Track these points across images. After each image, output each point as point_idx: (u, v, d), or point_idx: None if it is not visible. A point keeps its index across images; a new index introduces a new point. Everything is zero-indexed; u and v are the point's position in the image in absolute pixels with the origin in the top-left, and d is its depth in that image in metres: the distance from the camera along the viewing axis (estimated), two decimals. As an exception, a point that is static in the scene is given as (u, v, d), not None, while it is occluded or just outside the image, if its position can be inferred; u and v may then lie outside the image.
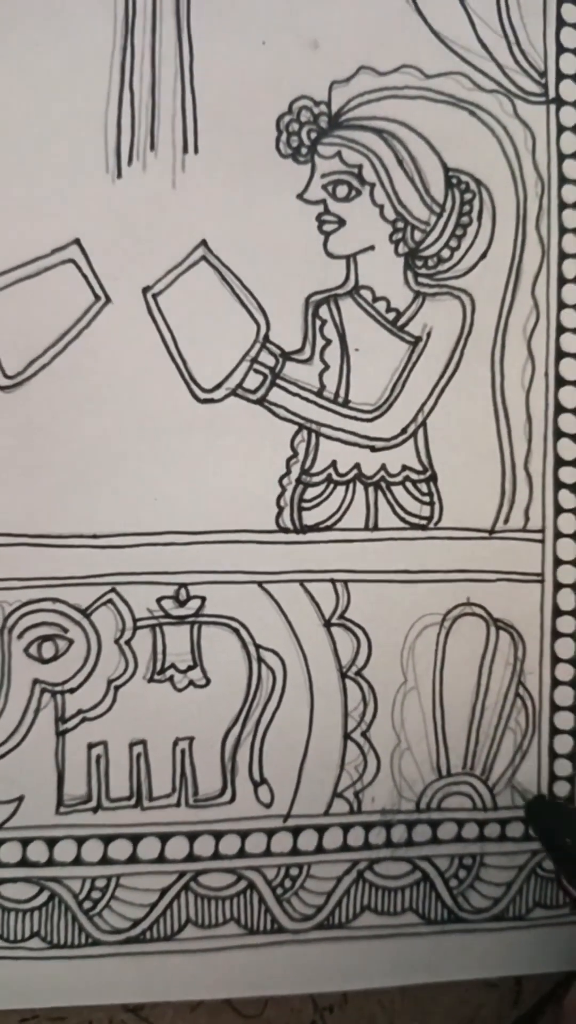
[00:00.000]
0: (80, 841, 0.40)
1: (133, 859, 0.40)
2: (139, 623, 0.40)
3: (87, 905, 0.40)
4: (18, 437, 0.39)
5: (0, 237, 0.39)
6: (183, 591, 0.40)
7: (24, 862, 0.40)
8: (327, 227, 0.40)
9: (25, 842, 0.40)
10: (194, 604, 0.40)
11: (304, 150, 0.40)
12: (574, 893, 0.41)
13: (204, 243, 0.40)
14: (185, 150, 0.40)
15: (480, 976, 0.42)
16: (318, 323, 0.41)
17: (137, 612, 0.40)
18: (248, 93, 0.40)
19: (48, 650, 0.40)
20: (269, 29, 0.40)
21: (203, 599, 0.40)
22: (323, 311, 0.41)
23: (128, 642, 0.40)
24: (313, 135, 0.40)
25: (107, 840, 0.40)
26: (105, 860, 0.40)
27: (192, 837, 0.41)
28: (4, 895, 0.40)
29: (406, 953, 0.42)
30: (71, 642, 0.40)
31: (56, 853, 0.40)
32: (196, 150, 0.40)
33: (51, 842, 0.40)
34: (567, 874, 0.40)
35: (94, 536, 0.40)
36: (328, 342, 0.41)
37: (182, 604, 0.40)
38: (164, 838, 0.41)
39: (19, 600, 0.39)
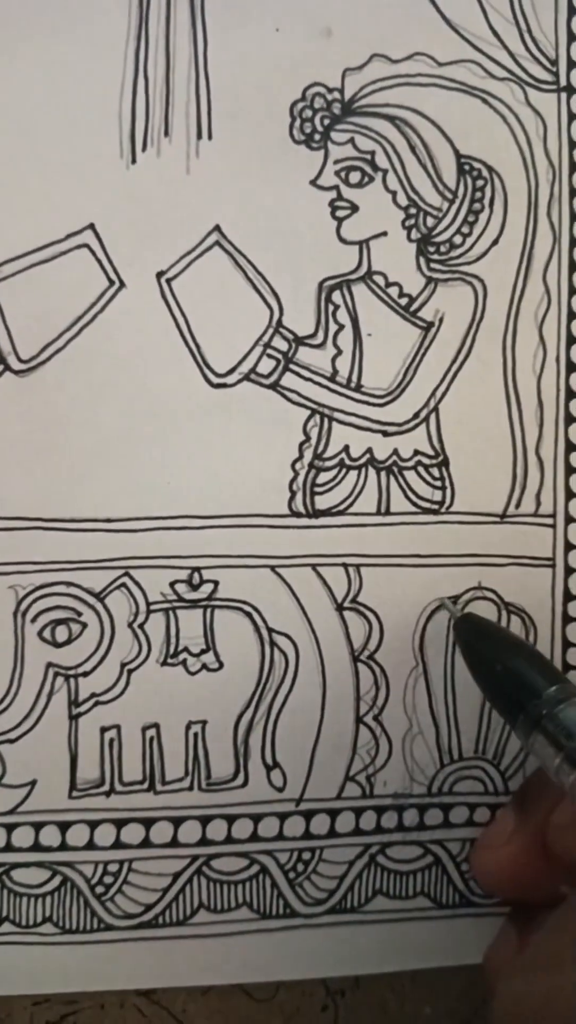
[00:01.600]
0: (93, 825, 0.40)
1: (146, 843, 0.40)
2: (152, 607, 0.40)
3: (99, 890, 0.40)
4: (32, 421, 0.39)
5: (15, 222, 0.38)
6: (196, 575, 0.40)
7: (37, 846, 0.39)
8: (340, 213, 0.40)
9: (38, 826, 0.39)
10: (207, 588, 0.40)
11: (317, 136, 0.40)
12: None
13: (218, 228, 0.39)
14: (199, 136, 0.39)
15: (492, 960, 0.42)
16: (331, 308, 0.40)
17: (150, 596, 0.40)
18: (262, 80, 0.39)
19: (62, 634, 0.39)
20: (282, 16, 0.39)
21: (216, 583, 0.40)
22: (336, 296, 0.40)
23: (141, 626, 0.40)
24: (326, 122, 0.40)
25: (120, 824, 0.40)
26: (118, 844, 0.40)
27: (205, 821, 0.40)
28: (16, 880, 0.39)
29: (418, 937, 0.41)
30: (85, 626, 0.40)
31: (69, 837, 0.39)
32: (210, 136, 0.39)
33: (64, 826, 0.39)
34: (490, 696, 0.39)
35: (108, 520, 0.39)
36: (341, 327, 0.40)
37: (195, 588, 0.40)
38: (177, 822, 0.40)
39: (33, 584, 0.39)
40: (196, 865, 0.40)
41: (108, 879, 0.40)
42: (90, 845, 0.40)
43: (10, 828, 0.39)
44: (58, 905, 0.40)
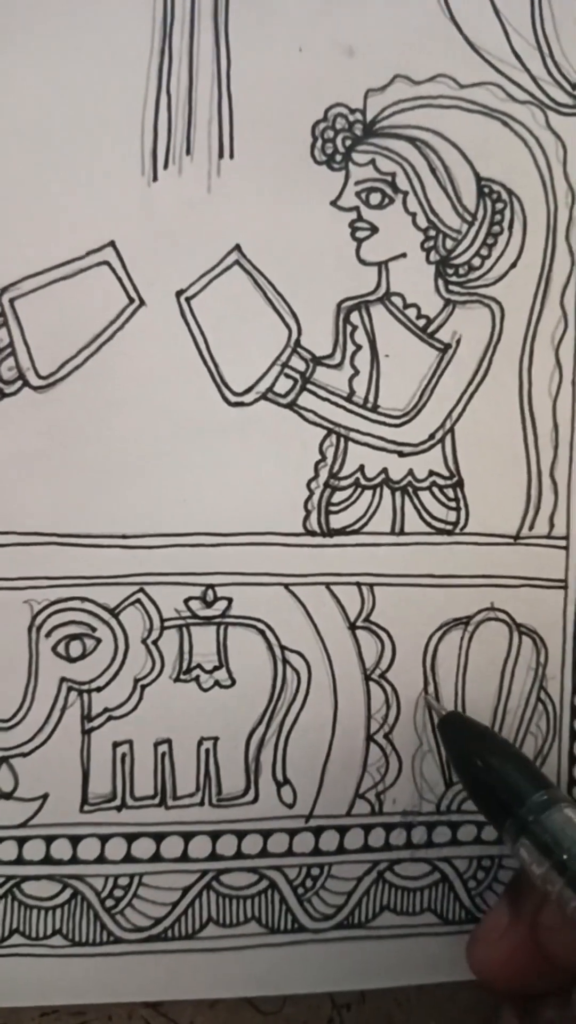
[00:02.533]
0: (104, 839, 0.39)
1: (156, 858, 0.40)
2: (166, 623, 0.40)
3: (109, 903, 0.40)
4: (50, 437, 0.38)
5: (36, 238, 0.38)
6: (210, 592, 0.40)
7: (48, 860, 0.39)
8: (360, 234, 0.40)
9: (49, 840, 0.39)
10: (221, 605, 0.40)
11: (339, 157, 0.40)
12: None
13: (238, 248, 0.39)
14: (221, 155, 0.39)
15: (497, 976, 0.42)
16: (349, 329, 0.40)
17: (165, 612, 0.40)
18: (284, 99, 0.39)
19: (76, 649, 0.39)
20: (306, 36, 0.39)
21: (230, 600, 0.40)
22: (354, 317, 0.40)
23: (155, 642, 0.40)
24: (348, 142, 0.40)
25: (131, 839, 0.40)
26: (128, 858, 0.40)
27: (215, 836, 0.40)
28: (27, 892, 0.39)
29: (424, 952, 0.41)
30: (99, 641, 0.39)
31: (80, 851, 0.39)
32: (232, 155, 0.39)
33: (75, 840, 0.39)
34: (475, 798, 0.38)
35: (123, 536, 0.39)
36: (358, 348, 0.40)
37: (209, 605, 0.40)
38: (187, 837, 0.40)
39: (47, 599, 0.39)
40: (206, 880, 0.40)
41: (118, 892, 0.40)
42: (101, 859, 0.40)
43: (22, 841, 0.39)
44: (68, 918, 0.40)
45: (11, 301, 0.38)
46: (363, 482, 0.41)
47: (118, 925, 0.40)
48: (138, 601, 0.39)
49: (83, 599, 0.39)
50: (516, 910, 0.37)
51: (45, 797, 0.39)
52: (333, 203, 0.40)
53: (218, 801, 0.40)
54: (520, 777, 0.36)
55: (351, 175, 0.40)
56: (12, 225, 0.38)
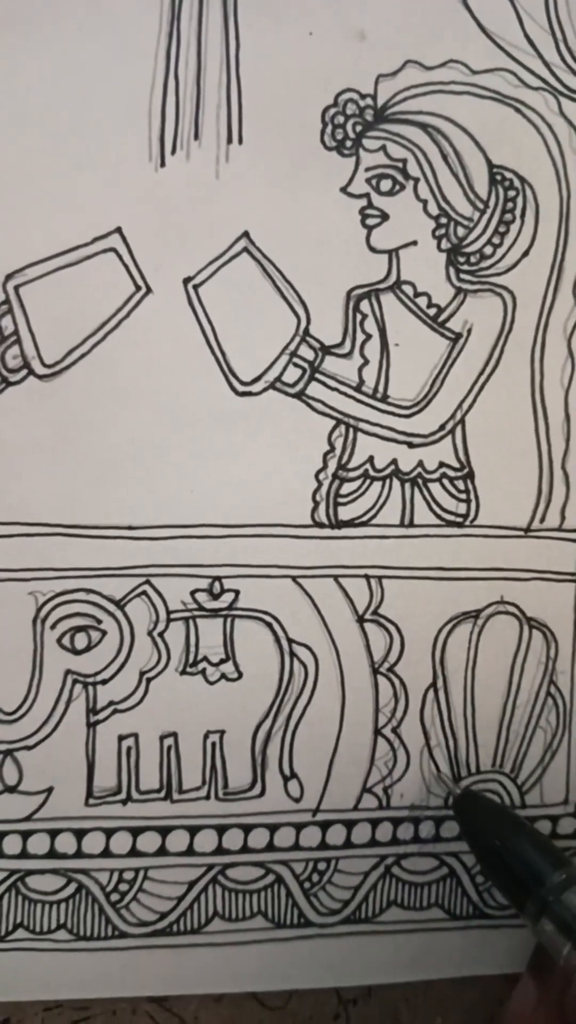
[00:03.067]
0: (109, 833, 0.39)
1: (162, 851, 0.39)
2: (172, 615, 0.39)
3: (114, 897, 0.39)
4: (55, 427, 0.38)
5: (41, 224, 0.37)
6: (217, 584, 0.39)
7: (52, 853, 0.39)
8: (370, 221, 0.39)
9: (53, 833, 0.39)
10: (228, 597, 0.39)
11: (349, 143, 0.39)
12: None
13: (246, 235, 0.38)
14: (229, 140, 0.38)
15: (505, 971, 0.41)
16: (359, 317, 0.39)
17: (171, 604, 0.39)
18: (294, 84, 0.38)
19: (81, 641, 0.39)
20: (316, 20, 0.38)
21: (237, 592, 0.39)
22: (364, 305, 0.39)
23: (161, 634, 0.39)
24: (358, 128, 0.39)
25: (136, 832, 0.39)
26: (134, 852, 0.39)
27: (221, 830, 0.40)
28: (32, 887, 0.39)
29: (431, 948, 0.41)
30: (104, 633, 0.39)
31: (84, 845, 0.39)
32: (240, 141, 0.38)
33: (80, 834, 0.39)
34: (491, 875, 0.38)
35: (130, 527, 0.39)
36: (368, 337, 0.40)
37: (216, 597, 0.40)
38: (193, 831, 0.40)
39: (53, 591, 0.38)
40: (212, 874, 0.40)
41: (123, 887, 0.39)
42: (106, 853, 0.39)
43: (26, 835, 0.39)
44: (73, 912, 0.39)
45: (16, 288, 0.38)
46: (372, 473, 0.40)
47: (123, 919, 0.39)
48: (144, 593, 0.39)
49: (89, 591, 0.39)
50: (542, 987, 0.37)
51: (50, 791, 0.39)
52: (343, 190, 0.39)
53: (224, 795, 0.40)
54: (539, 856, 0.36)
55: (361, 161, 0.39)
56: (17, 211, 0.37)
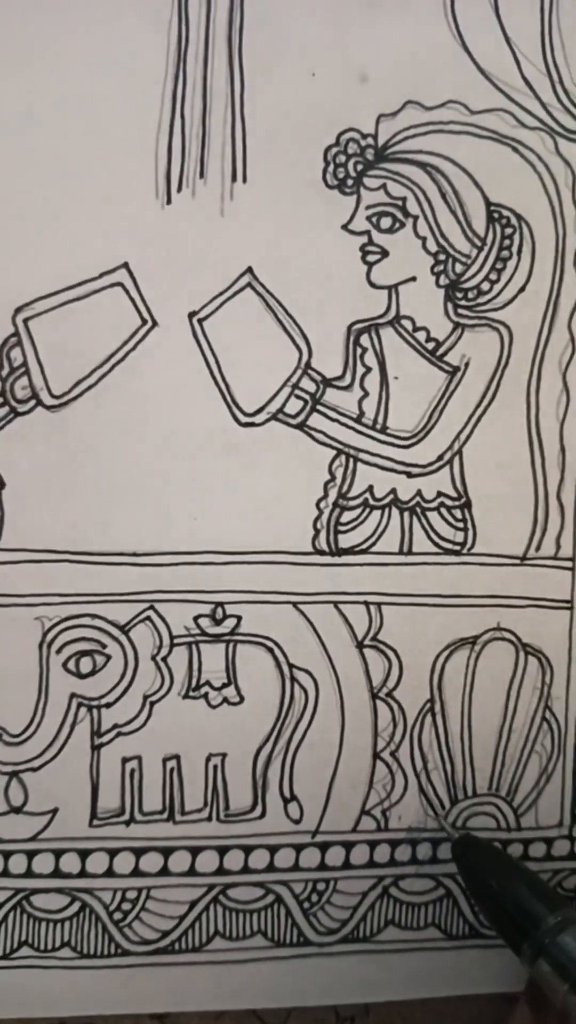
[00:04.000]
0: (112, 853, 0.39)
1: (164, 872, 0.40)
2: (176, 640, 0.40)
3: (117, 916, 0.40)
4: (63, 455, 0.38)
5: (50, 259, 0.38)
6: (219, 610, 0.40)
7: (57, 873, 0.39)
8: (370, 257, 0.40)
9: (58, 853, 0.39)
10: (230, 623, 0.40)
11: (350, 181, 0.40)
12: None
13: (250, 270, 0.39)
14: (234, 179, 0.39)
15: (500, 990, 0.42)
16: (359, 351, 0.40)
17: (174, 629, 0.40)
18: (297, 124, 0.39)
19: (86, 665, 0.39)
20: (318, 62, 0.39)
21: (239, 618, 0.40)
22: (364, 339, 0.40)
23: (164, 659, 0.40)
24: (359, 167, 0.40)
25: (139, 853, 0.40)
26: (136, 872, 0.40)
27: (222, 851, 0.40)
28: (36, 905, 0.39)
29: (428, 966, 0.41)
30: (109, 658, 0.39)
31: (88, 865, 0.39)
32: (244, 179, 0.39)
33: (84, 854, 0.39)
34: (490, 916, 0.39)
35: (134, 554, 0.39)
36: (368, 370, 0.40)
37: (218, 623, 0.40)
38: (195, 852, 0.40)
39: (58, 616, 0.39)
40: (213, 894, 0.40)
41: (126, 906, 0.40)
42: (109, 872, 0.40)
43: (31, 854, 0.39)
44: (76, 930, 0.40)
45: (25, 321, 0.38)
46: (372, 502, 0.41)
47: (126, 938, 0.40)
48: (148, 618, 0.40)
49: (93, 616, 0.39)
50: (540, 1016, 0.37)
51: (54, 812, 0.39)
52: (344, 227, 0.40)
53: (226, 816, 0.40)
54: (534, 899, 0.37)
55: (362, 199, 0.40)
56: (27, 246, 0.38)
